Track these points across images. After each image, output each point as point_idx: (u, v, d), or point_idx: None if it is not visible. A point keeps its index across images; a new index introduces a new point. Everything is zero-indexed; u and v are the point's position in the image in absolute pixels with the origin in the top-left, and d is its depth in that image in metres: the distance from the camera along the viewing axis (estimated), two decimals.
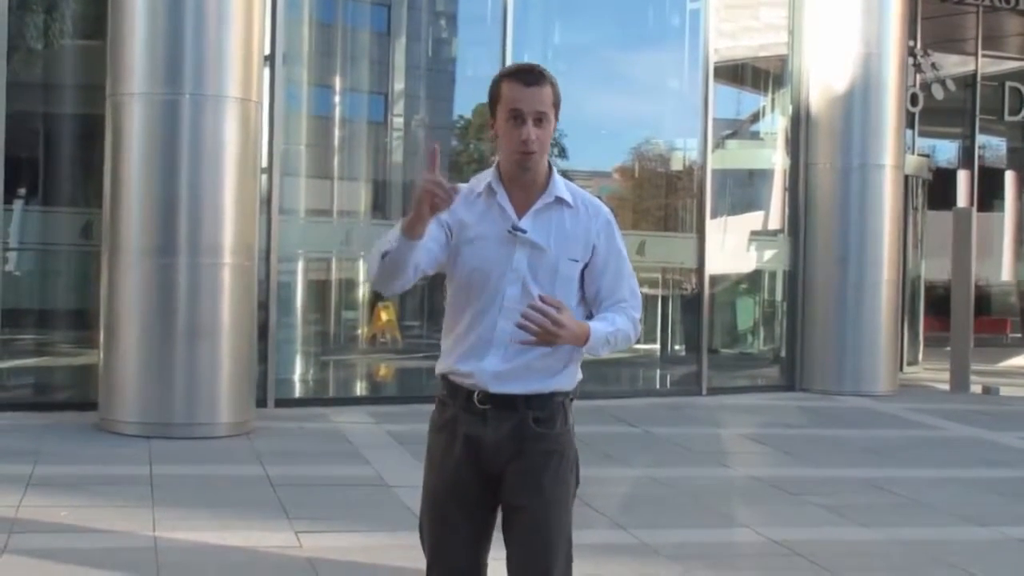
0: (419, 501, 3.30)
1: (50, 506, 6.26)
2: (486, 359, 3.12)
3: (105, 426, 8.49)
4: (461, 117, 13.41)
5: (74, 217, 9.93)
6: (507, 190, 3.17)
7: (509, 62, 10.86)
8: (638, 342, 12.75)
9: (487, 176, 3.20)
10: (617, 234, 3.25)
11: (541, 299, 3.02)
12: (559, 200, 3.16)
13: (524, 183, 3.16)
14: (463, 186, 3.20)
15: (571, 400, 3.25)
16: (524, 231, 3.13)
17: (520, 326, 3.00)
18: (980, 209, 16.55)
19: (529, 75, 3.12)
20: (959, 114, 18.17)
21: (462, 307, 3.20)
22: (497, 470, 3.16)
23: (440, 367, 3.25)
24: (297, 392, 11.22)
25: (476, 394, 3.14)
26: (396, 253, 3.00)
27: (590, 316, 3.20)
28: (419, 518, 3.29)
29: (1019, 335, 18.99)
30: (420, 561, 3.29)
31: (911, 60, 15.15)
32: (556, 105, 3.14)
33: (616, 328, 3.17)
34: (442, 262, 3.18)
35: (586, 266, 3.20)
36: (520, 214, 3.16)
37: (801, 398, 12.21)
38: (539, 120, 3.09)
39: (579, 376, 3.26)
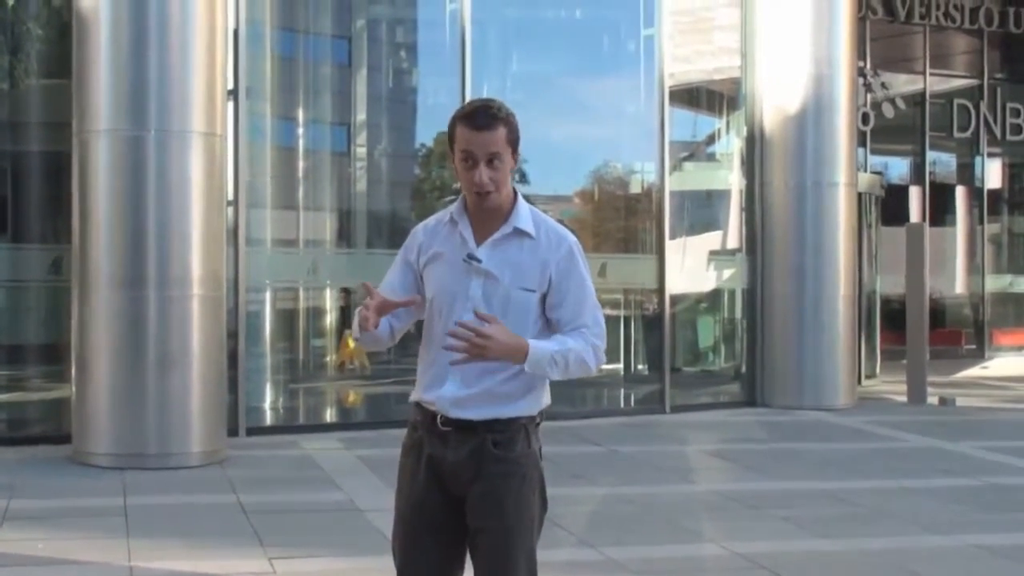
0: (391, 524, 3.37)
1: (26, 539, 6.27)
2: (445, 385, 3.19)
3: (79, 459, 8.52)
4: (423, 146, 13.52)
5: (44, 253, 10.00)
6: (470, 220, 3.24)
7: (468, 91, 10.94)
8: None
9: (454, 205, 3.29)
10: (580, 264, 3.24)
11: (475, 314, 3.09)
12: (518, 231, 3.21)
13: (486, 215, 3.21)
14: (430, 219, 3.35)
15: (537, 424, 3.27)
16: (479, 260, 3.19)
17: (446, 347, 3.07)
18: (932, 224, 16.71)
19: (480, 118, 3.12)
20: (909, 132, 18.34)
21: (428, 335, 3.30)
22: (460, 492, 3.20)
23: (412, 395, 3.33)
24: (268, 420, 11.24)
25: (439, 417, 3.21)
26: (362, 341, 3.33)
27: None
28: (391, 540, 3.35)
29: (973, 346, 19.14)
30: None
31: (861, 80, 15.40)
32: (512, 142, 3.16)
33: (567, 348, 3.14)
34: (421, 306, 3.31)
35: (546, 296, 3.21)
36: (480, 243, 3.21)
37: (762, 413, 12.30)
38: (491, 161, 3.12)
39: (545, 401, 3.29)
